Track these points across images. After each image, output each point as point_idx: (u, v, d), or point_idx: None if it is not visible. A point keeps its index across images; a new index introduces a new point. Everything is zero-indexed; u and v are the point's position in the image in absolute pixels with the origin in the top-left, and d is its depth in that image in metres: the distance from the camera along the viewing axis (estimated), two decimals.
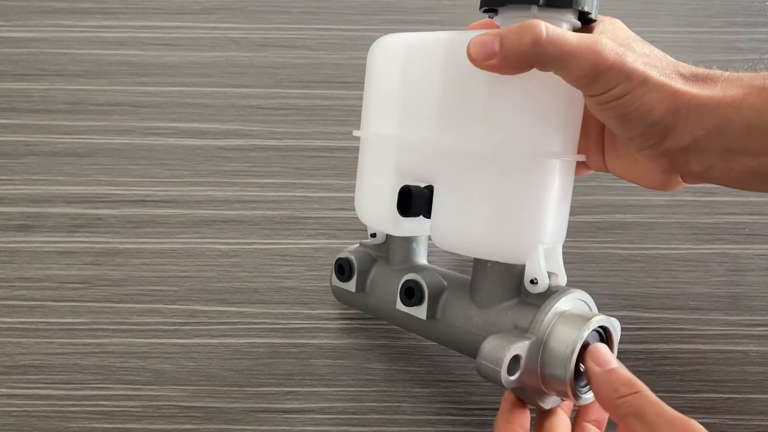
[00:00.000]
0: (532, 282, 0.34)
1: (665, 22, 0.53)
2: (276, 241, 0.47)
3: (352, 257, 0.42)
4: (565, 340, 0.32)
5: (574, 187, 0.36)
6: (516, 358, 0.32)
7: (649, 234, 0.47)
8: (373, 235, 0.42)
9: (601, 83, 0.30)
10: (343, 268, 0.42)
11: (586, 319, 0.33)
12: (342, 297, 0.43)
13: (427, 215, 0.36)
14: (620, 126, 0.31)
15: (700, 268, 0.46)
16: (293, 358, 0.44)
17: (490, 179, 0.33)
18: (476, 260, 0.37)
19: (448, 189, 0.35)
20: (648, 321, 0.44)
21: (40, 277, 0.46)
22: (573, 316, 0.33)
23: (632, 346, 0.43)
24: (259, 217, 0.47)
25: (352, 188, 0.48)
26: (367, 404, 0.43)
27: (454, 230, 0.35)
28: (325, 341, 0.44)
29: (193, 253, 0.46)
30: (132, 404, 0.43)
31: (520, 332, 0.33)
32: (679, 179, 0.34)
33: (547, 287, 0.34)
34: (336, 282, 0.42)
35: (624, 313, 0.44)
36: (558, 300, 0.34)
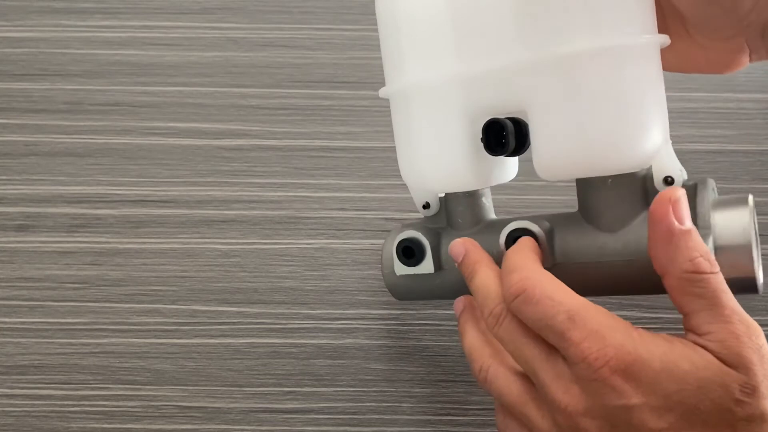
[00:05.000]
0: (666, 181, 0.31)
1: None
2: (276, 241, 0.47)
3: (419, 234, 0.36)
4: (737, 224, 0.30)
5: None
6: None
7: None
8: (426, 206, 0.38)
9: None
10: (411, 250, 0.36)
11: (743, 200, 0.30)
12: (407, 289, 0.38)
13: (517, 151, 0.33)
14: (708, 4, 0.30)
15: None
16: (293, 358, 0.44)
17: (604, 78, 0.29)
18: (588, 182, 0.32)
19: (552, 107, 0.31)
20: (648, 321, 0.44)
21: (39, 277, 0.46)
22: (725, 201, 0.31)
23: None
24: (259, 217, 0.47)
25: (352, 188, 0.47)
26: (367, 404, 0.43)
27: (566, 153, 0.31)
28: (325, 341, 0.44)
29: (193, 253, 0.46)
30: (132, 404, 0.43)
31: None
32: (746, 58, 0.32)
33: (682, 184, 0.31)
34: (401, 270, 0.37)
35: (624, 313, 0.44)
36: (705, 188, 0.31)
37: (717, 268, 0.28)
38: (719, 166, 0.48)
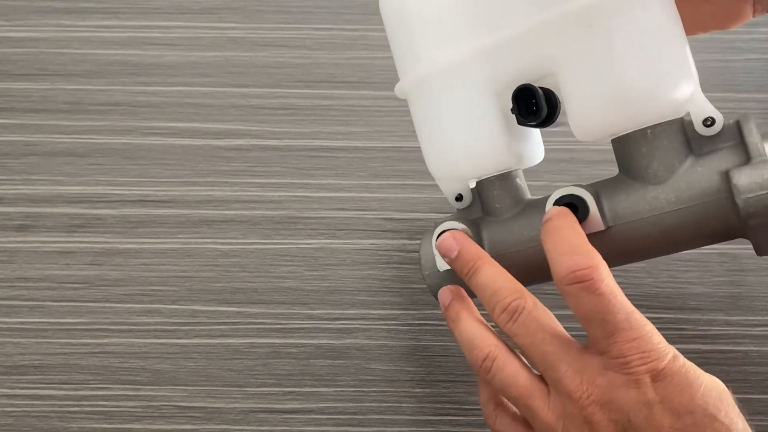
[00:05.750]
0: (706, 124, 0.31)
1: None
2: (276, 241, 0.47)
3: (458, 224, 0.35)
4: None
5: None
6: None
7: None
8: (459, 198, 0.37)
9: None
10: None
11: None
12: (450, 283, 0.37)
13: (549, 119, 0.32)
14: None
15: (700, 268, 0.46)
16: (293, 358, 0.44)
17: (629, 25, 0.29)
18: (627, 140, 0.32)
19: (580, 64, 0.30)
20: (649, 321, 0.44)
21: (39, 277, 0.46)
22: None
23: None
24: (259, 217, 0.47)
25: (352, 188, 0.47)
26: (367, 404, 0.43)
27: (603, 108, 0.30)
28: (325, 341, 0.44)
29: (193, 253, 0.46)
30: (132, 404, 0.43)
31: (740, 168, 0.30)
32: (750, 10, 0.33)
33: (723, 123, 0.31)
34: (443, 265, 0.36)
35: None
36: (748, 122, 0.31)
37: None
38: None
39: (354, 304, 0.45)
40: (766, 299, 0.45)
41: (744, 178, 0.29)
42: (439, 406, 0.42)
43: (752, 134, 0.30)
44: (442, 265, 0.36)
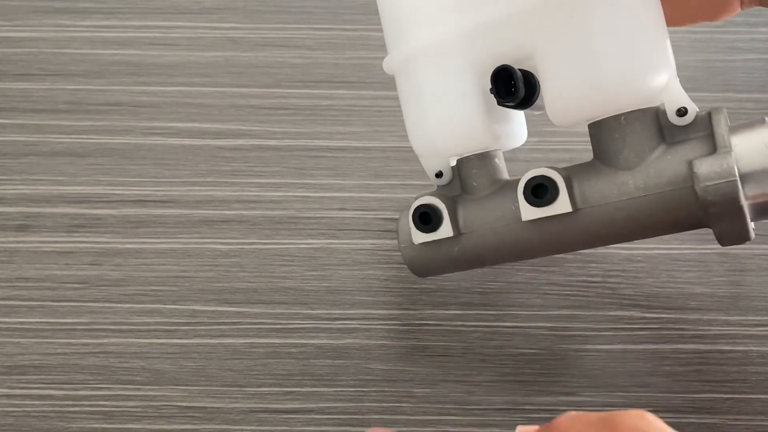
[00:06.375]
0: (679, 114, 0.31)
1: None
2: (276, 241, 0.47)
3: (434, 199, 0.36)
4: (759, 142, 0.30)
5: None
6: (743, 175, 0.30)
7: None
8: (439, 175, 0.38)
9: None
10: (428, 216, 0.36)
11: (760, 120, 0.31)
12: (426, 258, 0.38)
13: (527, 101, 0.33)
14: None
15: (700, 268, 0.46)
16: (293, 358, 0.44)
17: (609, 13, 0.30)
18: (602, 125, 0.33)
19: (559, 49, 0.31)
20: (648, 321, 0.44)
21: (39, 277, 0.46)
22: (743, 124, 0.31)
23: (632, 346, 0.43)
24: (259, 217, 0.47)
25: (352, 188, 0.47)
26: (367, 404, 0.43)
27: (578, 95, 0.31)
28: (325, 341, 0.44)
29: (193, 253, 0.46)
30: (132, 404, 0.43)
31: (704, 157, 0.30)
32: (737, 3, 0.33)
33: (695, 114, 0.31)
34: (419, 238, 0.37)
35: (624, 313, 0.44)
36: (720, 113, 0.31)
37: None
38: None
39: (354, 304, 0.45)
40: (766, 299, 0.45)
41: (705, 167, 0.30)
42: (439, 406, 0.42)
43: (720, 125, 0.31)
44: (418, 239, 0.37)
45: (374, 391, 0.43)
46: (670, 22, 0.35)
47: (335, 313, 0.45)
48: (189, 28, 0.53)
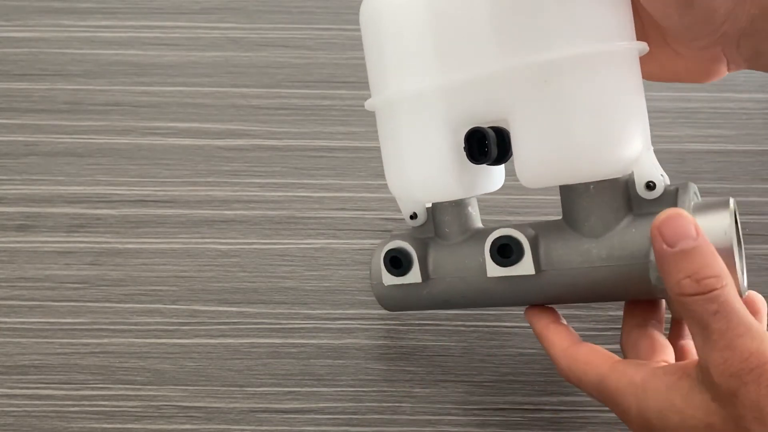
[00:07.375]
0: (648, 187, 0.31)
1: None
2: (276, 241, 0.47)
3: (405, 244, 0.37)
4: (718, 227, 0.29)
5: None
6: None
7: None
8: (413, 216, 0.38)
9: None
10: (398, 261, 0.37)
11: (724, 203, 0.30)
12: (395, 298, 0.39)
13: (500, 159, 0.33)
14: (682, 13, 0.30)
15: None
16: (293, 358, 0.44)
17: (583, 85, 0.30)
18: (571, 189, 0.33)
19: (532, 115, 0.31)
20: None
21: (39, 277, 0.46)
22: (707, 204, 0.31)
23: None
24: (259, 217, 0.47)
25: (352, 188, 0.48)
26: (367, 404, 0.43)
27: (547, 161, 0.31)
28: (325, 341, 0.44)
29: (193, 253, 0.46)
30: (132, 404, 0.43)
31: None
32: (725, 68, 0.33)
33: (663, 189, 0.31)
34: (389, 280, 0.38)
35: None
36: (686, 192, 0.31)
37: (707, 288, 0.27)
38: (719, 166, 0.48)
39: (354, 304, 0.45)
40: (766, 299, 0.45)
41: None
42: (439, 406, 0.42)
43: (684, 205, 0.31)
44: (388, 281, 0.38)
45: (374, 391, 0.43)
46: (656, 78, 0.35)
47: (335, 313, 0.45)
48: (189, 28, 0.53)
